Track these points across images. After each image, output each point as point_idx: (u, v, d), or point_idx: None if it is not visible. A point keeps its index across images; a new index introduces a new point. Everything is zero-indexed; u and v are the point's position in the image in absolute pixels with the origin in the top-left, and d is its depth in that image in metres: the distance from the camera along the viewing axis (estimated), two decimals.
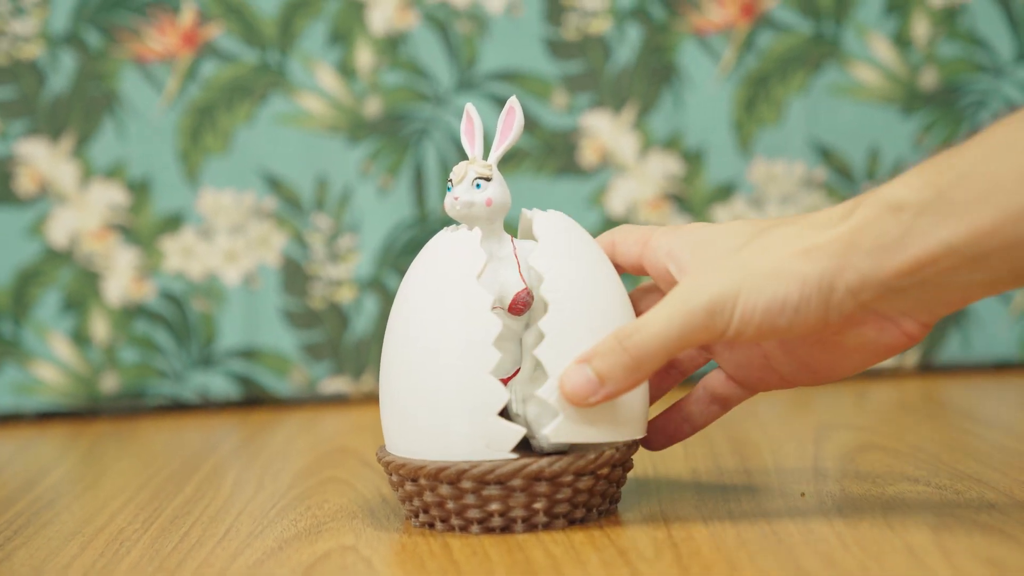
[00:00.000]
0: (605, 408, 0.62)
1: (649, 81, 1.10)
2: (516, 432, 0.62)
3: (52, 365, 1.08)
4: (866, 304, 0.59)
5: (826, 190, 1.11)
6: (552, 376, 0.62)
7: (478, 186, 0.64)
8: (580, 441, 0.62)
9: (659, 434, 0.70)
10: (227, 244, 1.09)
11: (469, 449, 0.62)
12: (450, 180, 0.65)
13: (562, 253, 0.64)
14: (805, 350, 0.64)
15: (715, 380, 0.69)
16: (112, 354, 1.08)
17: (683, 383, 1.04)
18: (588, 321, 0.63)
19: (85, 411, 1.10)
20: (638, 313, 0.68)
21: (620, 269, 0.69)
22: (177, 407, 1.11)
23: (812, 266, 0.59)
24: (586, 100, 1.10)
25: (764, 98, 1.11)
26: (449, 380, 0.62)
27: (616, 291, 0.65)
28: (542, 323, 0.62)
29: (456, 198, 0.64)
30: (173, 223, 1.08)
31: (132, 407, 1.10)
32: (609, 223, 1.10)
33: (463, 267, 0.64)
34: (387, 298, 1.09)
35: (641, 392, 0.65)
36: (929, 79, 1.10)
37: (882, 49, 1.10)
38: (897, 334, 0.61)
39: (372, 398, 1.10)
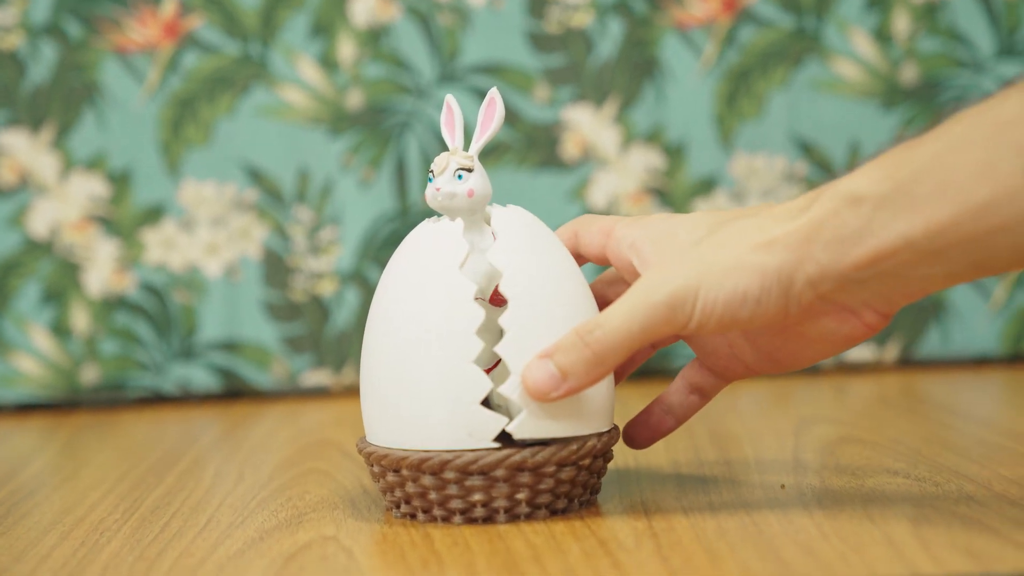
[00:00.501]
0: (569, 403, 0.63)
1: (631, 75, 1.10)
2: (498, 422, 0.62)
3: (32, 357, 1.07)
4: (825, 295, 0.60)
5: (807, 184, 1.11)
6: (514, 373, 0.62)
7: (459, 177, 0.65)
8: (544, 436, 0.63)
9: (642, 428, 0.70)
10: (208, 236, 1.09)
11: (451, 439, 0.62)
12: (431, 171, 0.65)
13: (521, 248, 0.64)
14: (767, 340, 0.64)
15: (691, 369, 0.69)
16: (92, 346, 1.08)
17: (663, 377, 1.04)
18: (548, 317, 0.63)
19: (64, 403, 1.09)
20: (602, 303, 0.69)
21: (583, 260, 0.69)
22: (157, 399, 1.10)
23: (771, 258, 0.60)
24: (568, 93, 1.10)
25: (745, 92, 1.11)
26: (431, 369, 0.62)
27: (577, 286, 0.65)
28: (502, 319, 0.63)
29: (438, 189, 0.65)
30: (154, 215, 1.08)
31: (112, 399, 1.10)
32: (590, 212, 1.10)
33: (445, 257, 0.64)
34: (368, 291, 1.09)
35: (606, 385, 0.65)
36: (909, 74, 1.11)
37: (863, 44, 1.11)
38: (857, 324, 0.61)
39: (353, 391, 1.10)
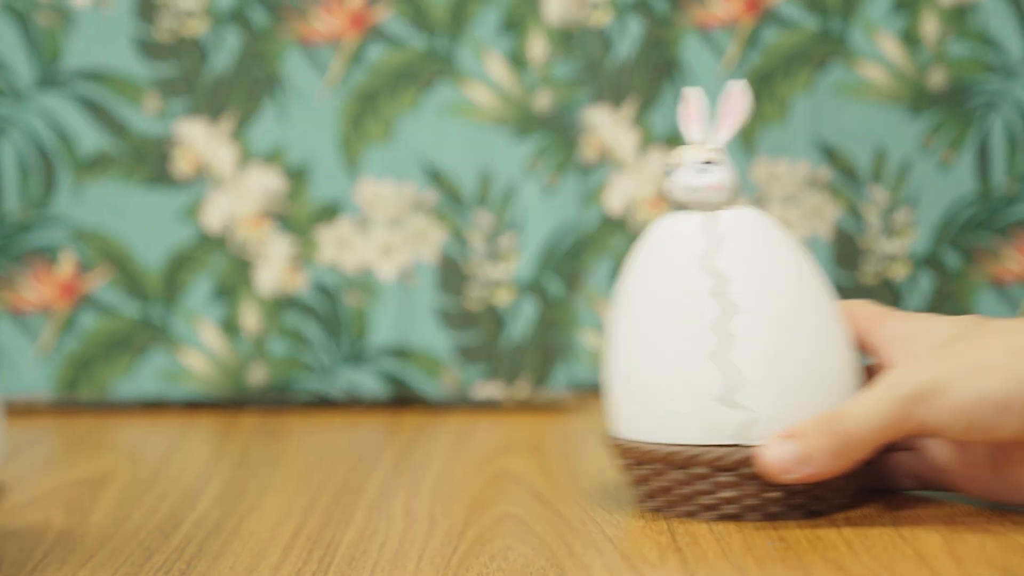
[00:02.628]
0: (808, 399, 0.89)
1: (650, 76, 1.50)
2: (735, 419, 0.89)
3: (200, 353, 1.51)
4: None
5: (830, 191, 1.49)
6: (745, 382, 0.89)
7: (704, 170, 0.91)
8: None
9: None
10: (384, 237, 1.49)
11: (696, 434, 0.90)
12: (669, 163, 0.92)
13: (750, 254, 0.91)
14: (1015, 464, 0.86)
15: (912, 463, 0.93)
16: (261, 346, 1.49)
17: None
18: (778, 324, 0.90)
19: (230, 402, 1.50)
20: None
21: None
22: (323, 403, 1.50)
23: (1022, 362, 0.80)
24: (585, 94, 1.49)
25: (768, 96, 1.49)
26: (668, 363, 0.90)
27: (812, 296, 0.91)
28: (732, 325, 0.89)
29: (679, 182, 0.90)
30: (329, 212, 1.50)
31: (278, 401, 1.50)
32: (607, 221, 1.51)
33: (685, 251, 0.91)
34: (547, 303, 1.47)
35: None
36: (938, 79, 1.48)
37: (890, 47, 1.47)
38: None
39: (525, 407, 1.45)
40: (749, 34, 1.51)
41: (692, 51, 1.51)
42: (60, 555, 0.96)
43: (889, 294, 1.48)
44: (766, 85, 1.50)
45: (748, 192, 1.50)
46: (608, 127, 1.52)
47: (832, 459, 0.86)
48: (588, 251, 1.51)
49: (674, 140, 1.48)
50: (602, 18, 1.51)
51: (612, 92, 1.51)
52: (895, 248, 1.50)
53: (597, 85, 1.50)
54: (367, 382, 1.52)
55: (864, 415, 0.85)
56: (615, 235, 1.51)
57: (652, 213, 1.50)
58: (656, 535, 0.90)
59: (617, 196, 1.53)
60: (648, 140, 1.52)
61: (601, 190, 1.52)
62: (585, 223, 1.51)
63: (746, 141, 1.50)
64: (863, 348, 0.95)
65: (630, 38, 1.51)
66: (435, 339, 1.50)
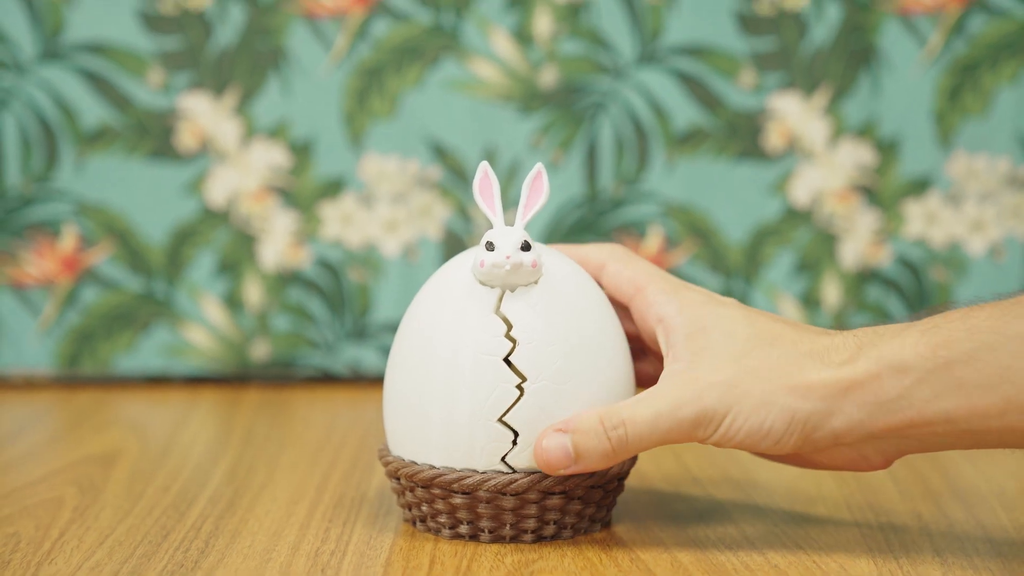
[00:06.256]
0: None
1: (846, 63, 1.56)
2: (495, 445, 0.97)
3: (204, 329, 1.59)
4: (843, 442, 0.91)
5: None
6: (519, 404, 0.95)
7: (518, 253, 0.96)
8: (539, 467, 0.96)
9: None
10: (388, 213, 1.58)
11: (459, 458, 0.97)
12: (489, 242, 0.96)
13: (533, 302, 0.97)
14: (812, 456, 0.96)
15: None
16: (264, 321, 1.58)
17: None
18: (560, 367, 0.96)
19: (233, 378, 1.60)
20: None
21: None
22: (326, 379, 1.61)
23: (803, 404, 0.90)
24: (776, 80, 1.57)
25: (971, 87, 1.56)
26: (440, 389, 0.97)
27: (599, 338, 0.98)
28: (512, 357, 0.95)
29: (508, 257, 0.95)
30: (334, 188, 1.58)
31: (282, 376, 1.60)
32: (792, 213, 1.57)
33: (475, 297, 0.98)
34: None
35: None
36: None
37: None
38: (860, 462, 0.93)
39: None
40: (955, 22, 1.56)
41: (891, 38, 1.57)
42: (78, 532, 1.05)
43: None
44: (969, 76, 1.57)
45: (942, 187, 1.57)
46: (798, 115, 1.57)
47: (602, 460, 0.93)
48: (768, 243, 1.58)
49: (867, 131, 1.57)
50: (798, 1, 1.56)
51: (804, 79, 1.57)
52: None
53: (789, 71, 1.56)
54: (370, 358, 1.61)
55: (642, 429, 0.92)
56: (799, 228, 1.58)
57: (840, 206, 1.58)
58: (660, 551, 1.00)
59: (803, 187, 1.59)
60: (840, 130, 1.57)
61: (787, 180, 1.58)
62: (766, 214, 1.57)
63: (943, 134, 1.57)
64: (616, 304, 1.03)
65: (827, 23, 1.57)
66: None
